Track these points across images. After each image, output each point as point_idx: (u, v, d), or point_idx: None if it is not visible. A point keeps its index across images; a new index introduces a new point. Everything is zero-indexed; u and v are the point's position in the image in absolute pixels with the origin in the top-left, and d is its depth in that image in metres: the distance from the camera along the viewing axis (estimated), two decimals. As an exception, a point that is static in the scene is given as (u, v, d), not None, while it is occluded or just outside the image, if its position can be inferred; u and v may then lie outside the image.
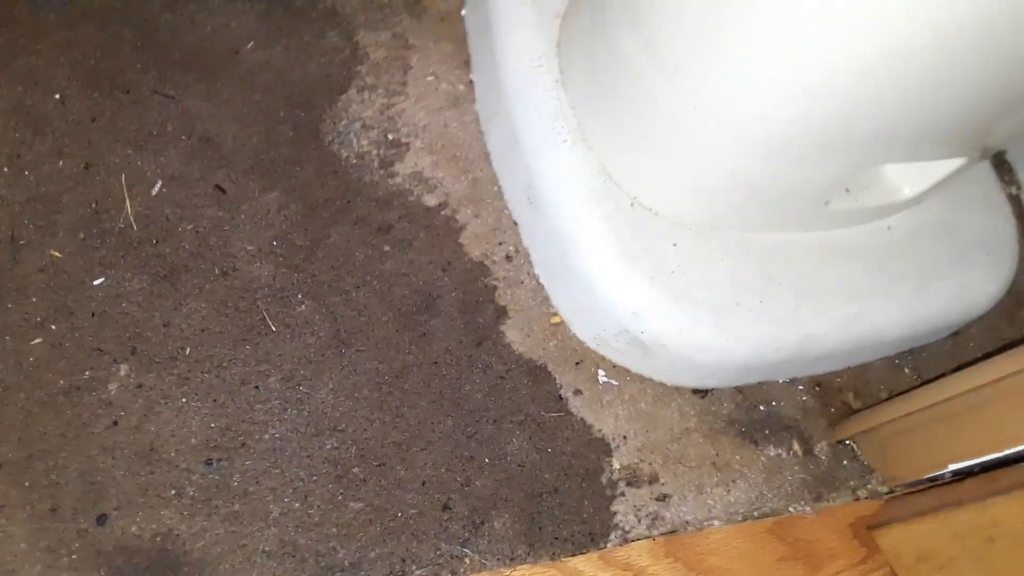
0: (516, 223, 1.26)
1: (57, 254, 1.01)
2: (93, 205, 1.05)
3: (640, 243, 1.16)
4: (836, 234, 1.22)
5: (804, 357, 1.20)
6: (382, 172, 1.22)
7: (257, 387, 1.03)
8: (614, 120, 1.15)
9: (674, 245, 1.17)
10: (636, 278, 1.14)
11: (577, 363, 1.19)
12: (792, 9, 0.93)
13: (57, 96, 1.10)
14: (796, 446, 1.24)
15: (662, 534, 1.12)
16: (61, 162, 1.06)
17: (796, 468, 1.22)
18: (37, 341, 0.96)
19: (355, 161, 1.21)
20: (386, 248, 1.16)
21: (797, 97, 0.99)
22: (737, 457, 1.21)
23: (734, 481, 1.18)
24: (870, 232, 1.23)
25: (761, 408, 1.26)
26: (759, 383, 1.27)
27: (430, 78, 1.32)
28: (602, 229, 1.14)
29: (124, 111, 1.12)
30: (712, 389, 1.24)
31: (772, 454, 1.22)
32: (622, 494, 1.13)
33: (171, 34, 1.20)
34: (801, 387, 1.28)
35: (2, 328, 0.95)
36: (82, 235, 1.03)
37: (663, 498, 1.14)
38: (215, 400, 1.00)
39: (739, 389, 1.26)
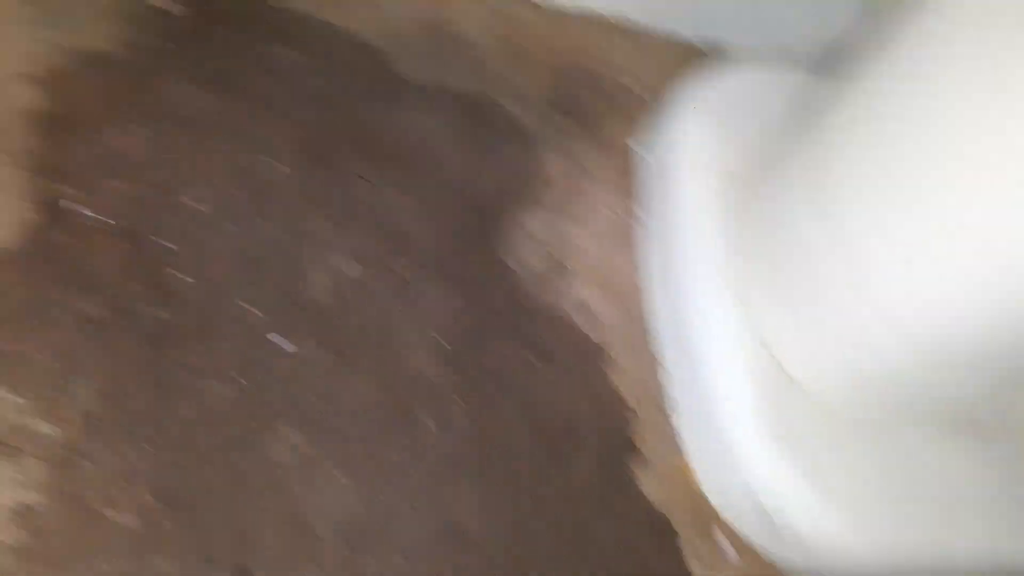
0: (666, 368, 1.29)
1: (257, 312, 1.09)
2: (296, 270, 1.14)
3: (790, 423, 1.14)
4: (991, 447, 1.19)
5: (953, 570, 1.15)
6: (546, 289, 1.28)
7: (404, 477, 1.08)
8: (783, 298, 1.17)
9: (824, 431, 1.14)
10: (780, 458, 1.12)
11: (704, 528, 1.19)
12: (983, 224, 0.95)
13: (276, 163, 1.20)
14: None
15: None
16: (270, 224, 1.16)
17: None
18: (220, 390, 1.04)
19: (523, 275, 1.28)
20: (539, 367, 1.22)
21: (971, 301, 0.99)
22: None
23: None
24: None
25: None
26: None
27: (603, 207, 1.40)
28: (755, 402, 1.14)
29: (330, 187, 1.22)
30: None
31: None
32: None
33: (381, 125, 1.31)
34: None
35: (193, 370, 1.03)
36: (282, 297, 1.11)
37: None
38: (364, 482, 1.05)
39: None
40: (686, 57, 1.58)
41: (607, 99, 1.49)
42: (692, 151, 1.32)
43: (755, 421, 1.14)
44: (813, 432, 1.14)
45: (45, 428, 0.93)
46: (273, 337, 1.08)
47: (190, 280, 1.07)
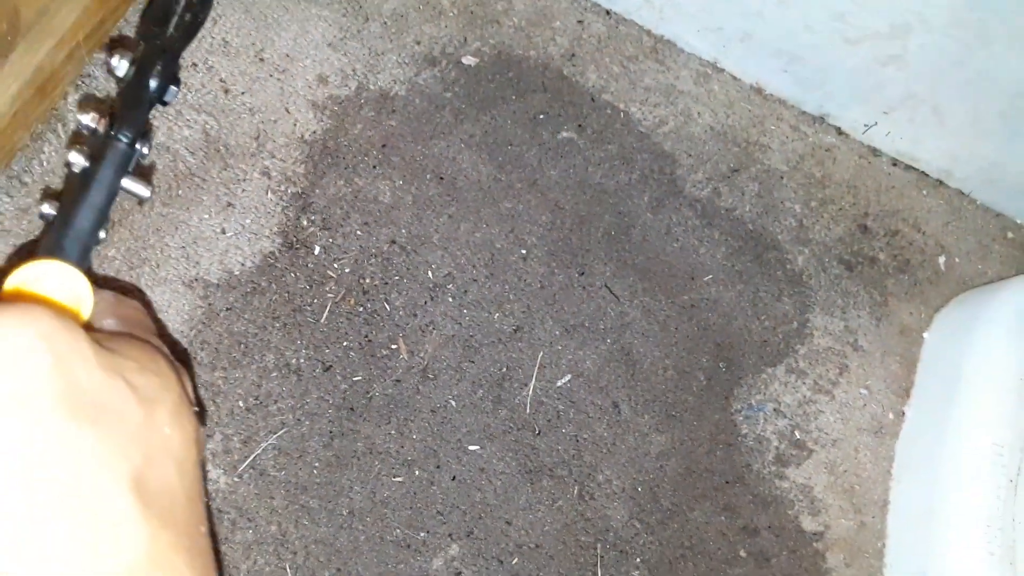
0: (886, 596, 1.07)
1: (453, 402, 1.00)
2: (503, 369, 1.04)
3: None
4: None
5: None
6: (774, 468, 1.10)
7: (558, 633, 0.94)
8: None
9: None
10: None
11: None
12: None
13: (523, 251, 1.11)
14: None
15: None
16: (497, 315, 1.06)
17: None
18: (399, 479, 0.95)
19: (752, 443, 1.10)
20: (742, 553, 1.04)
21: None
22: None
23: None
24: None
25: None
26: None
27: (863, 390, 1.19)
28: None
29: (571, 291, 1.11)
30: None
31: None
32: None
33: (643, 235, 1.18)
34: None
35: (378, 451, 0.95)
36: (481, 393, 1.01)
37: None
38: (514, 626, 0.92)
39: None
40: (1014, 244, 1.34)
41: (906, 268, 1.28)
42: (1000, 366, 1.09)
43: None
44: None
45: (215, 475, 0.88)
46: (462, 438, 0.98)
47: (402, 353, 1.00)
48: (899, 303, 1.29)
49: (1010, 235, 1.42)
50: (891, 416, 1.19)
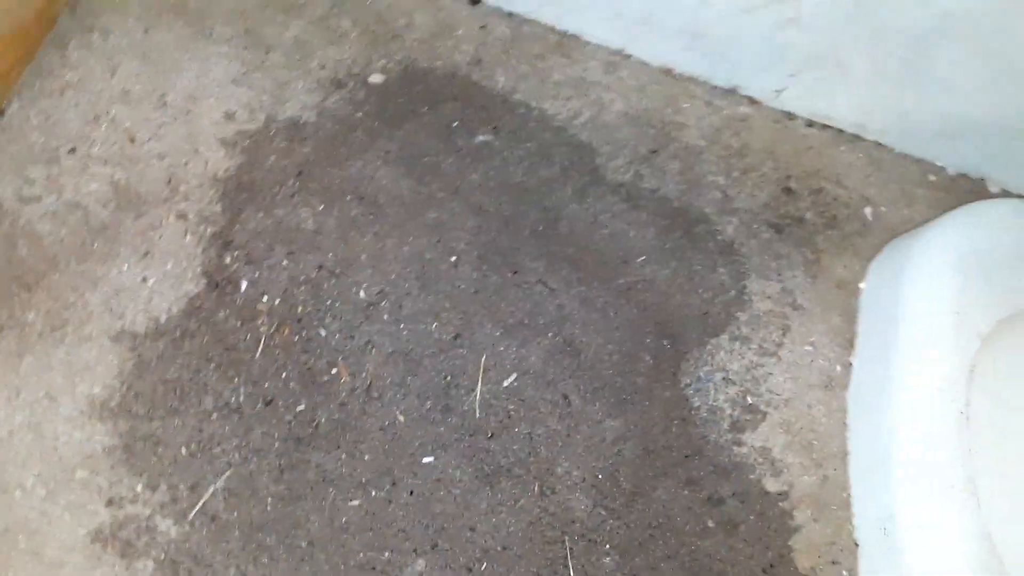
0: (858, 544, 1.09)
1: (401, 418, 0.99)
2: (447, 378, 1.03)
3: None
4: None
5: None
6: (730, 436, 1.10)
7: (536, 633, 0.93)
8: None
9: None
10: None
11: None
12: None
13: (453, 258, 1.11)
14: None
15: None
16: (435, 324, 1.06)
17: None
18: (355, 503, 0.94)
19: (706, 415, 1.11)
20: (710, 524, 1.04)
21: None
22: None
23: None
24: None
25: None
26: None
27: (807, 347, 1.20)
28: None
29: (506, 291, 1.11)
30: None
31: None
32: None
33: (571, 226, 1.19)
34: None
35: (330, 477, 0.94)
36: (428, 405, 1.01)
37: None
38: (492, 632, 0.92)
39: None
40: (937, 186, 1.37)
41: (834, 224, 1.30)
42: (936, 304, 1.11)
43: None
44: None
45: (165, 526, 0.87)
46: (415, 452, 0.97)
47: (344, 377, 0.99)
48: (832, 258, 1.31)
49: (932, 178, 1.45)
50: (839, 368, 1.20)
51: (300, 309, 1.01)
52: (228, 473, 0.89)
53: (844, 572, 1.06)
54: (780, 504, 1.07)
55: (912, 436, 1.05)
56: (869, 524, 1.07)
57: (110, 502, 0.84)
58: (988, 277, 1.15)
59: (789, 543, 1.06)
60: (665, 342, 1.15)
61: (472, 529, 0.96)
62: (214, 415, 0.92)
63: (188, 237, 1.01)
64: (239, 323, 0.97)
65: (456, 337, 1.06)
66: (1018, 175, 1.40)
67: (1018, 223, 1.24)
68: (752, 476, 1.08)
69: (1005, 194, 1.37)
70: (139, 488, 0.86)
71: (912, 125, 1.40)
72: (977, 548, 0.99)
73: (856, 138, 1.38)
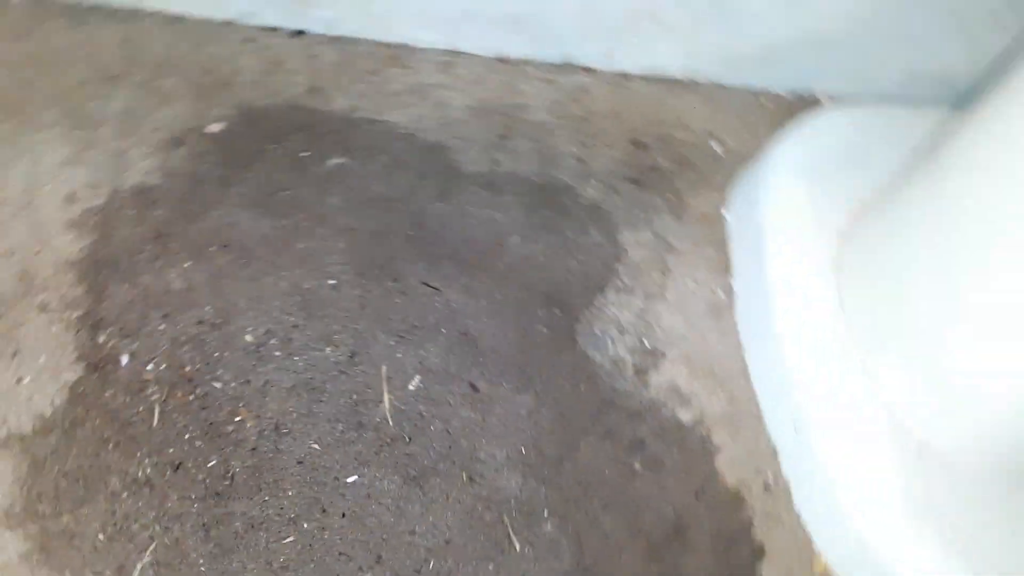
0: (776, 449, 1.14)
1: (316, 446, 1.00)
2: (353, 397, 1.04)
3: (931, 496, 1.02)
4: None
5: None
6: (636, 381, 1.15)
7: (497, 615, 0.95)
8: (904, 355, 1.03)
9: (973, 502, 1.02)
10: (925, 537, 0.99)
11: (845, 623, 1.03)
12: None
13: (332, 282, 1.12)
14: None
15: None
16: (328, 349, 1.07)
17: None
18: (289, 539, 0.94)
19: (609, 367, 1.15)
20: (636, 467, 1.08)
21: None
22: None
23: None
24: None
25: None
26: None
27: (689, 283, 1.26)
28: (884, 475, 1.01)
29: (391, 300, 1.13)
30: None
31: None
32: None
33: (441, 224, 1.21)
34: None
35: (258, 522, 0.93)
36: (341, 427, 1.02)
37: None
38: (454, 626, 0.93)
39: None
40: (773, 110, 1.45)
41: (688, 166, 1.37)
42: (791, 212, 1.18)
43: (889, 496, 1.01)
44: (961, 505, 1.00)
45: (99, 610, 0.85)
46: (338, 475, 0.98)
47: (247, 422, 0.98)
48: (693, 197, 1.37)
49: (767, 104, 1.54)
50: (722, 295, 1.26)
51: (188, 368, 1.00)
52: (152, 547, 0.88)
53: (769, 476, 1.11)
54: (697, 432, 1.12)
55: (798, 335, 1.11)
56: (781, 427, 1.13)
57: (37, 606, 0.82)
58: (832, 178, 1.22)
59: (714, 465, 1.10)
60: (555, 311, 1.18)
61: (412, 533, 0.97)
62: (124, 494, 0.90)
63: (55, 327, 0.99)
64: (128, 398, 0.96)
65: (352, 356, 1.07)
66: (841, 82, 1.49)
67: (847, 127, 1.33)
68: (665, 413, 1.13)
69: (835, 103, 1.47)
70: (62, 584, 0.84)
71: (735, 59, 1.48)
72: (876, 418, 1.05)
73: (690, 83, 1.45)
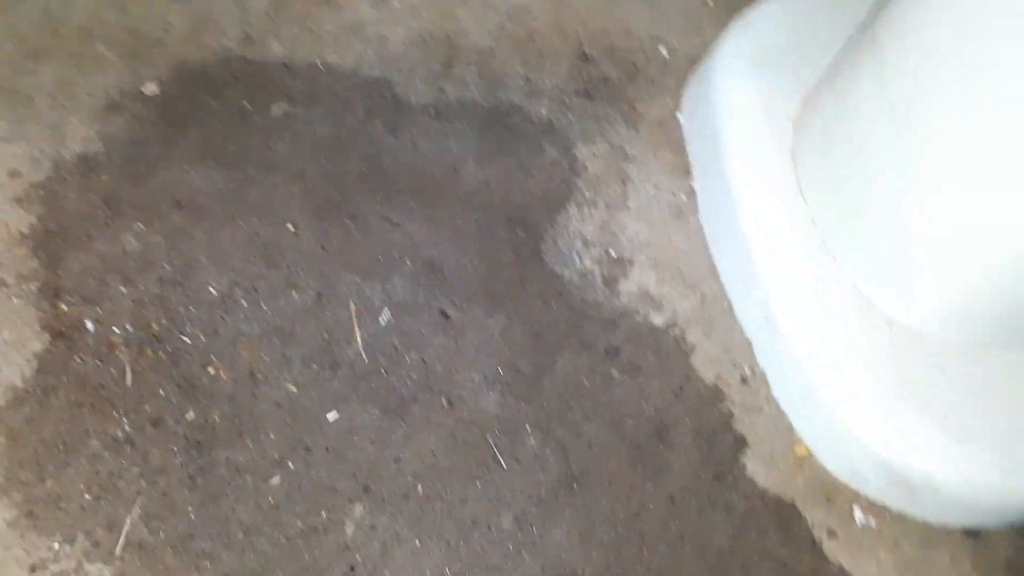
0: (750, 342, 1.15)
1: (293, 388, 1.00)
2: (325, 336, 1.04)
3: (901, 369, 1.04)
4: None
5: None
6: (606, 291, 1.15)
7: (489, 528, 0.96)
8: (866, 232, 1.04)
9: (942, 371, 1.03)
10: (899, 409, 1.02)
11: (829, 499, 1.06)
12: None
13: (290, 226, 1.11)
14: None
15: None
16: (294, 293, 1.06)
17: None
18: (275, 480, 0.94)
19: (578, 281, 1.15)
20: (614, 374, 1.09)
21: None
22: (1024, 609, 1.02)
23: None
24: None
25: (1047, 550, 1.07)
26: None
27: (650, 189, 1.26)
28: (855, 353, 1.03)
29: (352, 238, 1.12)
30: (986, 530, 1.06)
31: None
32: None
33: (394, 159, 1.20)
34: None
35: (243, 467, 0.94)
36: (315, 367, 1.02)
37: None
38: (449, 543, 0.95)
39: (1019, 530, 1.08)
40: (717, 7, 1.43)
41: (637, 73, 1.35)
42: (743, 105, 1.18)
43: (861, 373, 1.03)
44: (932, 375, 1.02)
45: (96, 570, 0.86)
46: (318, 413, 0.98)
47: (221, 373, 0.98)
48: (645, 103, 1.36)
49: (710, 2, 1.52)
50: (684, 197, 1.26)
51: (155, 327, 1.00)
52: (140, 500, 0.88)
53: (746, 369, 1.12)
54: (671, 333, 1.13)
55: (761, 227, 1.11)
56: (752, 319, 1.14)
57: (33, 568, 0.83)
58: (781, 67, 1.22)
59: (690, 363, 1.11)
60: (519, 231, 1.18)
61: (397, 461, 0.98)
62: (105, 454, 0.91)
63: (15, 300, 0.98)
64: (98, 361, 0.96)
65: (319, 297, 1.07)
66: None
67: (792, 15, 1.32)
68: (638, 318, 1.13)
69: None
70: (57, 546, 0.85)
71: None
72: (844, 299, 1.05)
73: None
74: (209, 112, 1.19)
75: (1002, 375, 1.06)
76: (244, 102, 1.21)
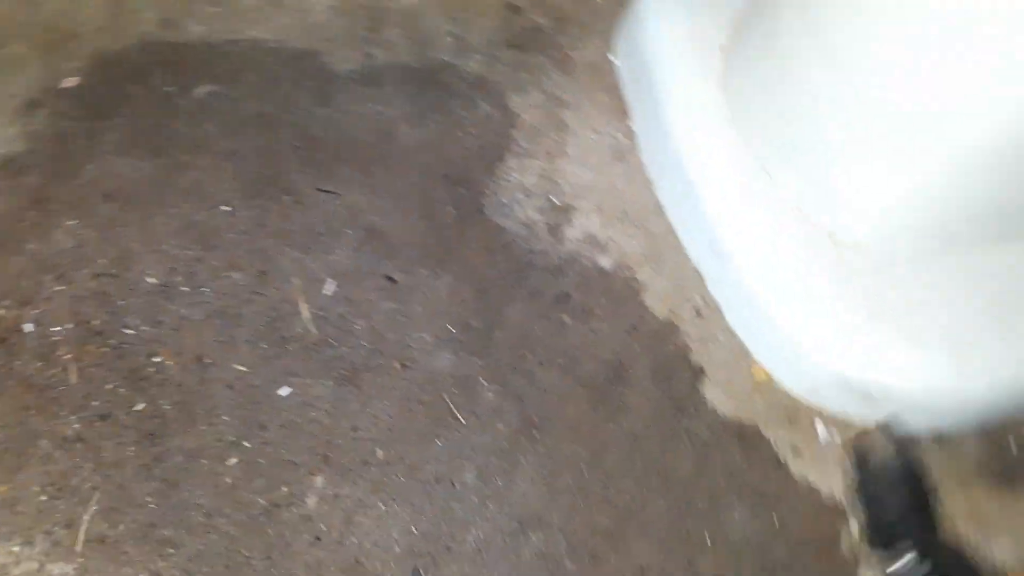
0: (700, 274, 1.15)
1: (243, 368, 0.99)
2: (271, 314, 1.03)
3: (848, 283, 1.04)
4: None
5: None
6: (551, 239, 1.15)
7: (454, 485, 0.96)
8: (802, 151, 1.04)
9: (889, 281, 1.04)
10: (851, 322, 1.02)
11: (791, 419, 1.06)
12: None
13: (225, 207, 1.10)
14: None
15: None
16: (235, 274, 1.05)
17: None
18: (232, 461, 0.94)
19: (522, 232, 1.14)
20: (566, 319, 1.08)
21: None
22: (995, 506, 1.04)
23: (996, 535, 1.01)
24: None
25: (1014, 448, 1.08)
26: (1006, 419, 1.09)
27: (589, 133, 1.25)
28: (802, 272, 1.04)
29: (290, 213, 1.11)
30: (950, 434, 1.07)
31: (1042, 503, 1.04)
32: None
33: (326, 129, 1.19)
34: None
35: (198, 451, 0.94)
36: (264, 345, 1.01)
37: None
38: (413, 504, 0.95)
39: (983, 429, 1.09)
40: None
41: (567, 19, 1.34)
42: (672, 39, 1.17)
43: (810, 290, 1.04)
44: (880, 284, 1.03)
45: (59, 570, 0.85)
46: (270, 391, 0.97)
47: (167, 361, 0.98)
48: (578, 49, 1.35)
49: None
50: (623, 138, 1.25)
51: (96, 322, 0.99)
52: (96, 496, 0.88)
53: (698, 301, 1.12)
54: (620, 274, 1.13)
55: (700, 158, 1.11)
56: (700, 251, 1.14)
57: (-7, 576, 0.83)
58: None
59: (642, 301, 1.11)
60: (459, 189, 1.17)
61: (354, 429, 0.97)
62: (57, 453, 0.90)
63: (-50, 310, 0.96)
64: (41, 363, 0.95)
65: (261, 275, 1.06)
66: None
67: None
68: (585, 263, 1.13)
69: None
70: (17, 549, 0.84)
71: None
72: (787, 220, 1.05)
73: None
74: (133, 100, 1.17)
75: (949, 278, 1.06)
76: (167, 87, 1.19)
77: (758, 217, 1.09)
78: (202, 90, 1.19)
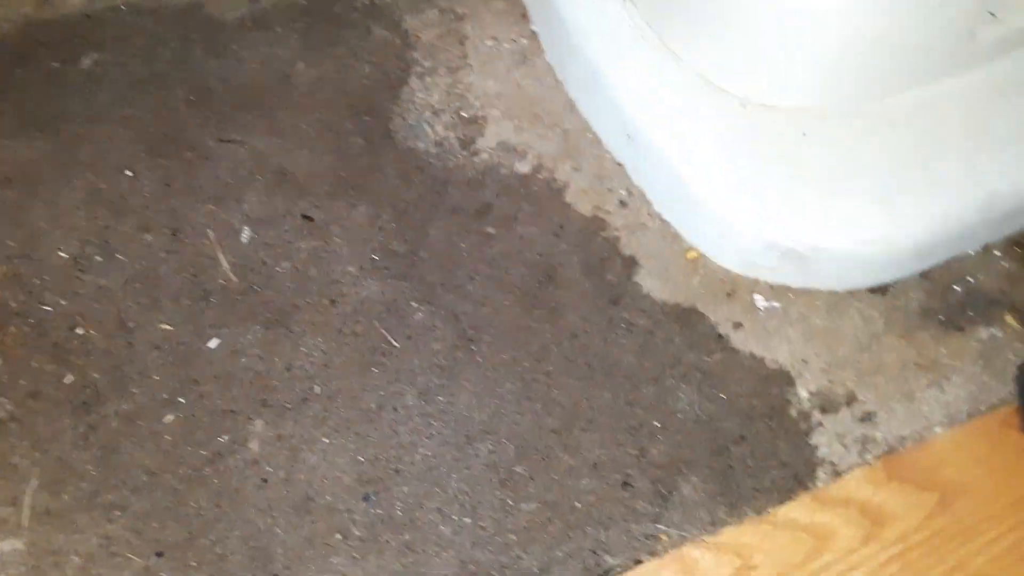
0: (621, 164, 1.14)
1: (168, 327, 0.98)
2: (190, 270, 1.02)
3: (766, 145, 1.04)
4: (992, 69, 1.04)
5: (992, 218, 1.02)
6: (465, 153, 1.13)
7: (395, 409, 0.96)
8: (700, 21, 1.02)
9: (804, 136, 1.03)
10: (772, 185, 1.02)
11: (729, 294, 1.06)
12: None
13: (128, 172, 1.08)
14: (1011, 320, 1.05)
15: (878, 457, 0.97)
16: (148, 236, 1.04)
17: (1019, 345, 1.03)
18: (169, 418, 0.93)
19: (435, 150, 1.13)
20: (490, 230, 1.07)
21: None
22: (943, 350, 1.04)
23: (948, 378, 1.02)
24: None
25: (956, 288, 1.08)
26: (945, 261, 1.09)
27: (490, 42, 1.22)
28: (717, 143, 1.03)
29: (195, 168, 1.09)
30: (892, 282, 1.07)
31: (984, 336, 1.04)
32: (819, 424, 0.98)
33: (221, 80, 1.16)
34: (998, 252, 1.09)
35: (133, 414, 0.93)
36: (187, 302, 1.00)
37: (868, 417, 0.99)
38: (357, 433, 0.94)
39: (924, 274, 1.09)
40: None
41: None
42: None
43: (727, 161, 1.04)
44: (796, 143, 1.03)
45: (8, 546, 0.85)
46: (199, 345, 0.96)
47: (90, 331, 0.96)
48: (471, -42, 1.31)
49: None
50: (526, 41, 1.23)
51: (13, 304, 0.97)
52: (36, 472, 0.87)
53: (622, 192, 1.12)
54: (539, 176, 1.11)
55: (598, 41, 1.09)
56: (617, 140, 1.12)
57: (-58, 566, 0.82)
58: None
59: (565, 201, 1.10)
60: (365, 118, 1.15)
61: (289, 369, 0.97)
62: (-10, 438, 0.89)
63: None
64: (-39, 352, 0.93)
65: (174, 234, 1.04)
66: None
67: None
68: (503, 171, 1.12)
69: None
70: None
71: None
72: (695, 93, 1.04)
73: None
74: (18, 83, 1.14)
75: (867, 129, 1.06)
76: (52, 63, 1.16)
77: (668, 96, 1.08)
78: (88, 60, 1.16)
